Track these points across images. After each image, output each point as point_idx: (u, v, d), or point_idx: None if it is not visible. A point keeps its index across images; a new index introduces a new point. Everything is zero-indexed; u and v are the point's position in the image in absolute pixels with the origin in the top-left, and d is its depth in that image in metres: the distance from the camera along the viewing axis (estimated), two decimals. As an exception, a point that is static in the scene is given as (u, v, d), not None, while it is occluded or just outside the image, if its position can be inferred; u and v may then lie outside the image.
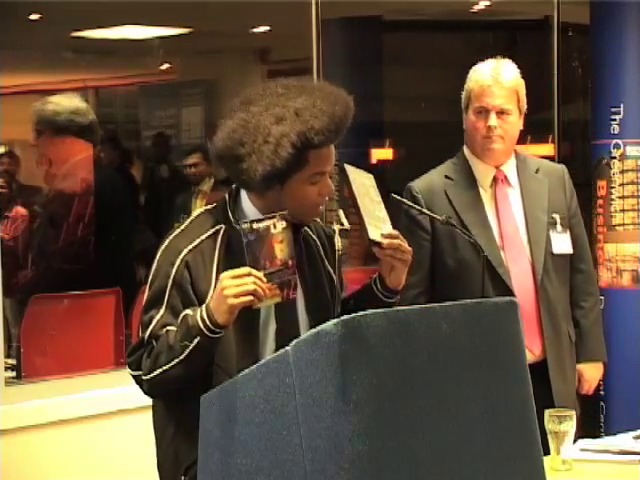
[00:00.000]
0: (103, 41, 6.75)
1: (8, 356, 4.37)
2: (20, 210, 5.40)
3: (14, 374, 4.36)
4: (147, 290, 2.57)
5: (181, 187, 6.75)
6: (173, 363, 2.45)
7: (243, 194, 2.62)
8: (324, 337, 1.77)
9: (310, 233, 2.71)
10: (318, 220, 2.79)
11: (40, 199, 5.14)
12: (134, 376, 2.57)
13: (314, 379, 1.77)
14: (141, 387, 2.57)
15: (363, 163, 6.68)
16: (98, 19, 6.20)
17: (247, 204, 2.60)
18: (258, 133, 2.48)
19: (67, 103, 4.63)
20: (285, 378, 1.82)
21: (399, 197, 3.12)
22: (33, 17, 6.00)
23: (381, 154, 6.72)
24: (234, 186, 2.65)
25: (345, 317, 1.78)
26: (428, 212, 3.23)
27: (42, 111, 4.60)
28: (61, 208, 4.81)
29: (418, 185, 3.41)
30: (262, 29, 7.23)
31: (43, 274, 4.87)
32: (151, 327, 2.51)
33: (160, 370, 2.48)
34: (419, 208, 3.23)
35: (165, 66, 7.53)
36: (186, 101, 7.82)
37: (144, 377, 2.52)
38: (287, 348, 1.84)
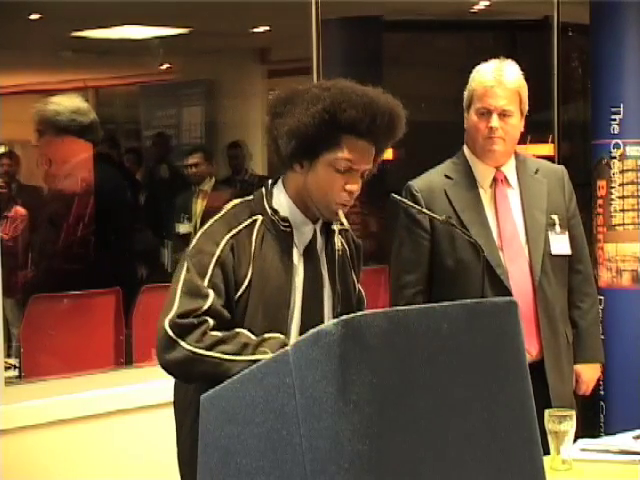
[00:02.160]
0: (103, 41, 6.75)
1: (8, 356, 4.38)
2: (19, 210, 5.41)
3: (14, 374, 4.37)
4: (185, 263, 2.52)
5: (181, 187, 6.75)
6: (234, 359, 2.41)
7: (280, 185, 2.65)
8: (324, 337, 1.77)
9: (336, 240, 2.71)
10: (348, 227, 2.79)
11: (40, 199, 5.14)
12: (172, 341, 2.44)
13: (314, 379, 1.77)
14: (166, 349, 2.44)
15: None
16: (98, 19, 6.21)
17: (283, 196, 2.63)
18: (302, 95, 2.56)
19: (68, 103, 4.63)
20: (285, 378, 1.82)
21: (398, 197, 3.12)
22: (33, 17, 6.01)
23: (381, 154, 6.70)
24: (271, 180, 2.68)
25: (345, 317, 1.78)
26: (428, 212, 3.23)
27: (43, 111, 4.60)
28: (61, 208, 4.81)
29: (418, 184, 3.41)
30: (262, 29, 7.23)
31: (43, 274, 4.87)
32: (209, 302, 2.46)
33: (218, 355, 2.42)
34: (419, 208, 3.22)
35: (165, 66, 7.53)
36: (186, 101, 7.82)
37: (191, 347, 2.42)
38: (287, 348, 1.84)
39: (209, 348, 2.43)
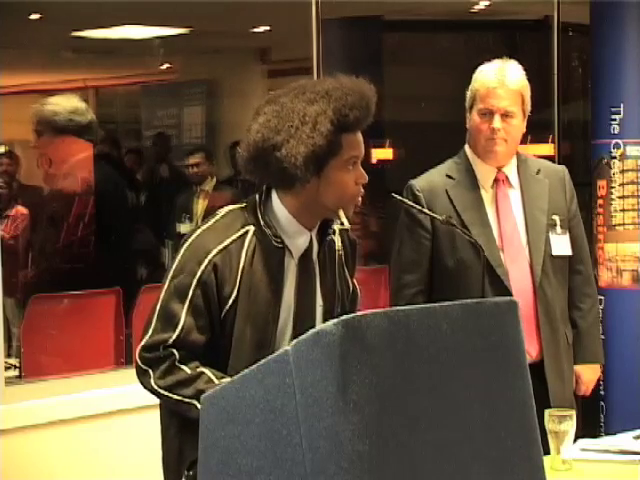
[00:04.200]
0: (103, 41, 6.76)
1: (8, 356, 4.38)
2: (20, 209, 5.41)
3: (14, 374, 4.37)
4: (167, 281, 2.53)
5: (182, 187, 6.76)
6: (191, 403, 2.45)
7: (274, 196, 2.58)
8: (324, 337, 1.76)
9: (336, 240, 2.69)
10: (349, 227, 2.76)
11: (40, 199, 5.14)
12: (143, 369, 2.53)
13: (314, 379, 1.77)
14: (141, 376, 2.54)
15: (363, 163, 6.66)
16: (98, 19, 6.21)
17: (278, 206, 2.57)
18: (294, 116, 2.46)
19: (66, 103, 4.63)
20: (285, 378, 1.82)
21: (399, 196, 3.12)
22: (33, 17, 6.01)
23: (381, 154, 6.71)
24: (265, 187, 2.61)
25: (345, 317, 1.78)
26: (428, 212, 3.23)
27: (41, 112, 4.60)
28: (61, 208, 4.81)
29: (419, 183, 3.40)
30: (262, 29, 7.23)
31: (43, 274, 4.87)
32: (177, 333, 2.49)
33: (176, 398, 2.49)
34: (419, 207, 3.22)
35: (165, 66, 7.54)
36: (187, 101, 7.83)
37: (155, 385, 2.51)
38: (287, 348, 1.84)
39: (169, 389, 2.50)
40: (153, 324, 2.52)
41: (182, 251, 2.54)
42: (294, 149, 2.43)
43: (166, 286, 2.53)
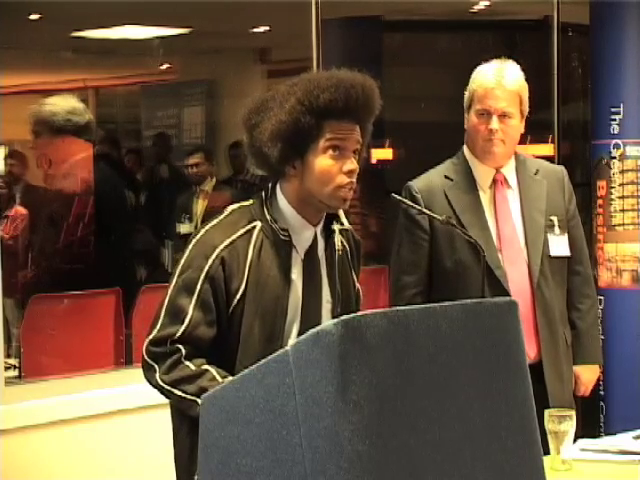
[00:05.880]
0: (103, 41, 6.76)
1: (8, 356, 4.38)
2: (20, 209, 5.40)
3: (14, 374, 4.37)
4: (175, 277, 2.55)
5: (182, 187, 6.76)
6: (193, 400, 2.45)
7: (278, 190, 2.62)
8: (324, 337, 1.77)
9: (342, 239, 2.70)
10: (349, 227, 2.77)
11: (40, 199, 5.14)
12: (149, 364, 2.54)
13: (314, 379, 1.77)
14: (147, 371, 2.55)
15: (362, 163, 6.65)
16: (98, 19, 6.21)
17: (282, 201, 2.60)
18: (272, 98, 2.54)
19: (63, 103, 4.63)
20: (285, 378, 1.82)
21: (399, 197, 3.12)
22: (33, 17, 6.01)
23: (381, 154, 6.72)
24: (271, 183, 2.64)
25: (345, 317, 1.78)
26: (428, 212, 3.22)
27: (39, 112, 4.60)
28: (61, 208, 4.81)
29: (418, 184, 3.40)
30: (262, 29, 7.24)
31: (43, 274, 4.87)
32: (183, 327, 2.50)
33: (179, 394, 2.50)
34: (419, 208, 3.22)
35: (165, 66, 7.53)
36: (187, 101, 7.83)
37: (160, 380, 2.52)
38: (287, 348, 1.84)
39: (173, 384, 2.51)
40: (161, 319, 2.53)
41: (189, 248, 2.57)
42: (264, 126, 2.52)
43: (174, 282, 2.55)
